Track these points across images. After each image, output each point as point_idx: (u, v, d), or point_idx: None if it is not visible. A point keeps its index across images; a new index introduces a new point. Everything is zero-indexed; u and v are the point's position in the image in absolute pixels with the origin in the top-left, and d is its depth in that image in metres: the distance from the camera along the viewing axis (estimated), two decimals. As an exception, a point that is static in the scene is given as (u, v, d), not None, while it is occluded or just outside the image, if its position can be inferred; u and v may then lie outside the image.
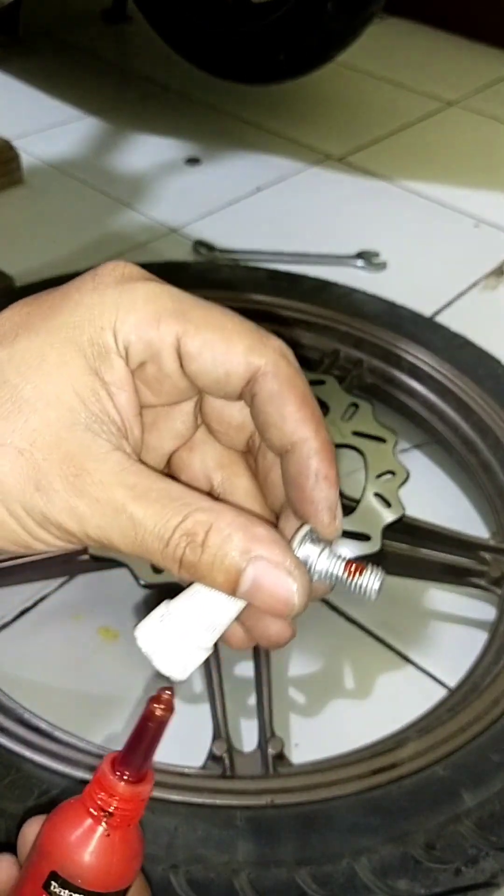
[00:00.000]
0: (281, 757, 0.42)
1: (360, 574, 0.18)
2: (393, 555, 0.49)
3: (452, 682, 0.48)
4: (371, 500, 0.49)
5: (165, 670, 0.18)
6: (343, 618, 0.52)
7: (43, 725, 0.42)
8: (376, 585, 0.17)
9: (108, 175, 0.96)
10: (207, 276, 0.70)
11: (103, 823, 0.18)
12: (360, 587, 0.18)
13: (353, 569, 0.18)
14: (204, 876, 0.34)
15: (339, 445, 0.54)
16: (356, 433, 0.54)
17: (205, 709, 0.43)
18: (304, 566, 0.17)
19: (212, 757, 0.41)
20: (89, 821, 0.18)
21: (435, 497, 0.60)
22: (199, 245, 0.84)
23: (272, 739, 0.42)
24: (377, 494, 0.49)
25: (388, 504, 0.49)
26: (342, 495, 0.53)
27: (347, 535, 0.47)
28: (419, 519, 0.51)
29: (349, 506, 0.50)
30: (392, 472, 0.51)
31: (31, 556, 0.48)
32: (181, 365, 0.18)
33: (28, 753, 0.39)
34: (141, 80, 1.17)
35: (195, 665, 0.18)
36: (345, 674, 0.49)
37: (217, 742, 0.41)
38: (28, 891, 0.19)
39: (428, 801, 0.38)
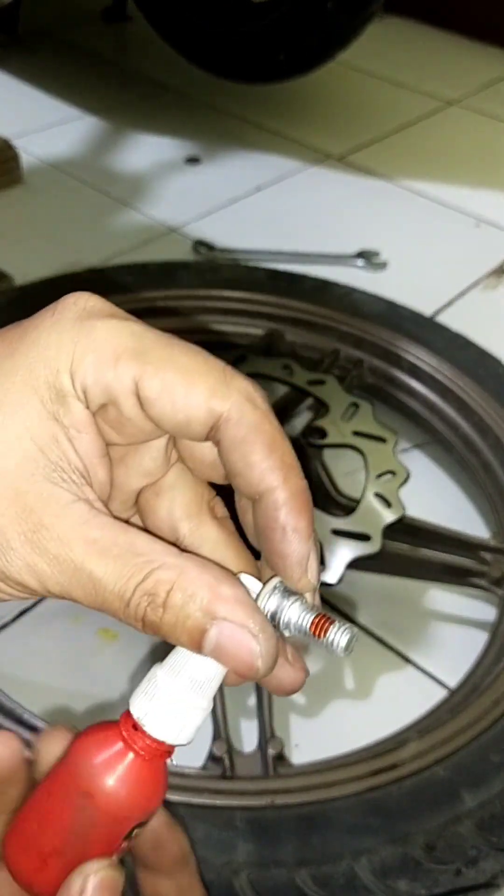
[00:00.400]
0: (281, 757, 0.42)
1: (326, 631, 0.17)
2: (393, 555, 0.49)
3: (453, 682, 0.48)
4: (371, 500, 0.49)
5: (162, 736, 0.17)
6: (343, 618, 0.52)
7: (42, 726, 0.42)
8: (343, 643, 0.17)
9: (107, 174, 0.96)
10: (207, 275, 0.70)
11: (134, 750, 0.18)
12: (329, 643, 0.17)
13: (320, 625, 0.17)
14: (204, 877, 0.34)
15: (339, 445, 0.53)
16: (356, 433, 0.53)
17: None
18: (269, 626, 0.17)
19: (212, 757, 0.41)
20: (121, 744, 0.18)
21: (435, 497, 0.60)
22: (199, 244, 0.84)
23: (272, 740, 0.42)
24: (377, 494, 0.49)
25: (388, 504, 0.49)
26: (342, 495, 0.53)
27: (348, 535, 0.47)
28: (419, 519, 0.51)
29: (350, 506, 0.50)
30: (392, 472, 0.51)
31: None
32: (142, 408, 0.17)
33: (27, 754, 0.39)
34: (141, 80, 1.16)
35: (194, 725, 0.18)
36: (345, 674, 0.49)
37: (217, 742, 0.41)
38: (52, 805, 0.19)
39: (428, 801, 0.38)
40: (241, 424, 0.17)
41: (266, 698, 0.43)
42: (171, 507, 0.20)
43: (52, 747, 0.20)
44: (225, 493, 0.19)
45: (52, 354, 0.17)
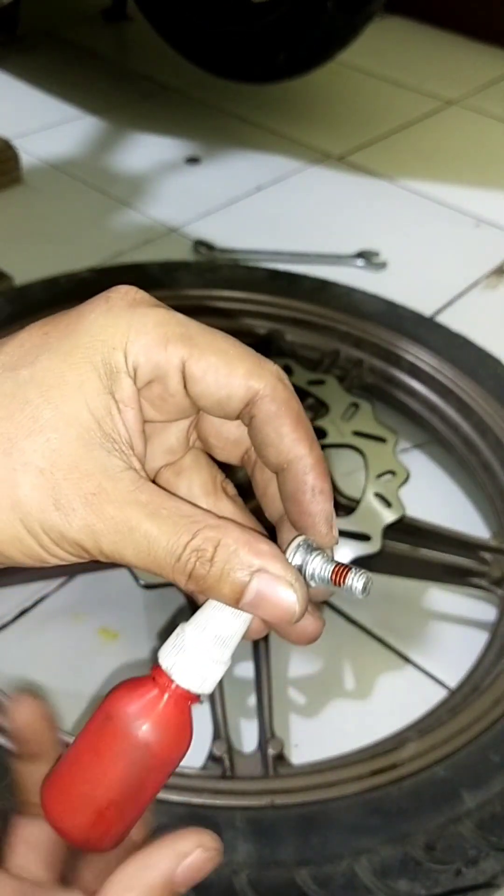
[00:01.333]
0: (281, 758, 0.42)
1: (345, 579, 0.19)
2: (393, 555, 0.49)
3: (453, 682, 0.48)
4: (371, 501, 0.49)
5: (186, 684, 0.20)
6: (344, 618, 0.52)
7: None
8: (360, 585, 0.19)
9: (107, 174, 0.96)
10: (207, 275, 0.70)
11: (167, 695, 0.20)
12: (348, 588, 0.19)
13: (339, 573, 0.19)
14: (205, 877, 0.34)
15: (339, 445, 0.53)
16: (356, 433, 0.53)
17: (205, 709, 0.43)
18: (301, 577, 0.19)
19: (212, 758, 0.41)
20: (160, 693, 0.20)
21: (435, 497, 0.60)
22: (199, 244, 0.84)
23: (272, 740, 0.42)
24: (377, 494, 0.49)
25: (388, 504, 0.49)
26: (342, 495, 0.53)
27: (348, 535, 0.47)
28: (419, 519, 0.51)
29: (350, 506, 0.50)
30: (392, 472, 0.51)
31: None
32: (185, 386, 0.20)
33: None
34: (141, 80, 1.16)
35: (215, 678, 0.20)
36: (345, 674, 0.49)
37: (217, 743, 0.41)
38: (103, 761, 0.20)
39: (428, 801, 0.38)
40: (275, 400, 0.20)
41: (266, 699, 0.43)
42: (189, 485, 0.22)
43: (24, 715, 0.22)
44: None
45: (109, 335, 0.19)
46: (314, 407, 0.57)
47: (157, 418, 0.20)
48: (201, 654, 0.19)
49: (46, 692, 0.47)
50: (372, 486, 0.50)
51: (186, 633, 0.20)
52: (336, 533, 0.20)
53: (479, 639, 0.49)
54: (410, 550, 0.50)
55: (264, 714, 0.43)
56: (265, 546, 0.18)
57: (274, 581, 0.18)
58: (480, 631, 0.51)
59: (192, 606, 0.47)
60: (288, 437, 0.20)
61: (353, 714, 0.47)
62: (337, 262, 0.83)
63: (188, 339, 0.20)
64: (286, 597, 0.18)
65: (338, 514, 0.49)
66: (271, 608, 0.18)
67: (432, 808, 0.37)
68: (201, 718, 0.43)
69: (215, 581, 0.18)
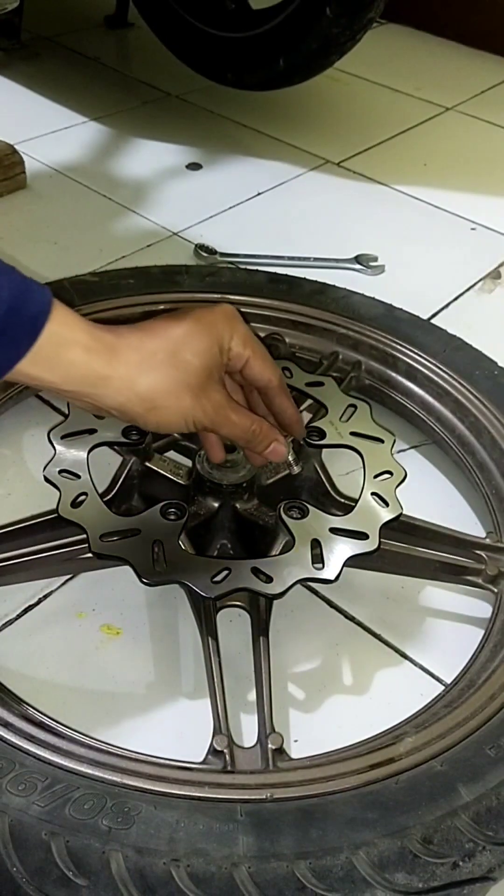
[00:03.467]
0: (280, 752, 0.42)
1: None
2: (390, 553, 0.50)
3: (449, 678, 0.48)
4: (369, 500, 0.50)
5: None
6: (341, 615, 0.53)
7: (46, 721, 0.43)
8: (291, 457, 0.48)
9: (110, 179, 0.97)
10: (208, 278, 0.71)
11: None
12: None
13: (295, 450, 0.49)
14: (205, 869, 0.35)
15: (337, 446, 0.54)
16: (354, 434, 0.54)
17: (205, 704, 0.44)
18: (289, 444, 0.47)
19: (213, 752, 0.42)
20: None
21: (432, 497, 0.60)
22: (201, 248, 0.85)
23: (272, 735, 0.42)
24: (375, 494, 0.50)
25: (385, 503, 0.49)
26: (341, 495, 0.54)
27: (346, 533, 0.47)
28: (416, 518, 0.52)
29: (348, 505, 0.51)
30: (390, 472, 0.51)
31: (34, 553, 0.49)
32: (242, 369, 0.43)
33: (32, 748, 0.39)
34: (143, 86, 1.18)
35: None
36: (343, 670, 0.50)
37: (218, 737, 0.42)
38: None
39: (425, 795, 0.38)
40: (279, 385, 0.45)
41: (266, 694, 0.44)
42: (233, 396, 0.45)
43: None
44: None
45: (220, 329, 0.40)
46: (313, 408, 0.58)
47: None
48: None
49: (50, 687, 0.47)
50: (370, 485, 0.50)
51: None
52: (299, 425, 0.48)
53: (475, 635, 0.50)
54: (407, 549, 0.51)
55: (264, 709, 0.43)
56: (276, 431, 0.45)
57: (281, 445, 0.45)
58: (476, 628, 0.52)
59: (195, 609, 0.48)
60: (276, 399, 0.45)
61: (351, 709, 0.48)
62: (336, 266, 0.84)
63: (253, 345, 0.42)
64: (284, 451, 0.45)
65: (336, 513, 0.55)
66: (276, 455, 0.45)
67: (429, 802, 0.38)
68: (202, 714, 0.44)
69: (259, 443, 0.44)
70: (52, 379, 0.36)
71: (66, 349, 0.35)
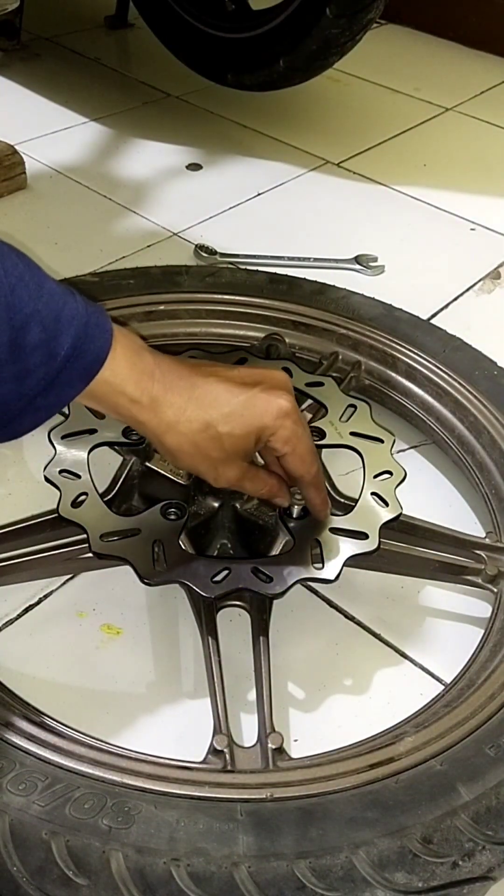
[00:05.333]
0: (280, 751, 0.42)
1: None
2: (390, 553, 0.50)
3: (448, 677, 0.49)
4: (369, 500, 0.50)
5: None
6: (341, 615, 0.53)
7: (47, 720, 0.43)
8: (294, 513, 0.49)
9: (110, 179, 0.97)
10: (208, 279, 0.71)
11: None
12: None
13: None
14: (205, 869, 0.35)
15: (337, 446, 0.54)
16: (354, 434, 0.54)
17: (205, 704, 0.44)
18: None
19: (213, 751, 0.42)
20: None
21: (432, 497, 0.61)
22: (201, 249, 0.85)
23: (272, 734, 0.42)
24: (375, 494, 0.50)
25: (385, 503, 0.50)
26: (341, 495, 0.54)
27: (346, 533, 0.47)
28: (416, 518, 0.52)
29: (348, 505, 0.51)
30: (389, 472, 0.51)
31: (35, 553, 0.49)
32: (279, 458, 0.45)
33: (32, 748, 0.40)
34: (143, 86, 1.18)
35: None
36: (343, 670, 0.50)
37: (218, 737, 0.42)
38: None
39: (425, 795, 0.38)
40: (308, 480, 0.46)
41: (266, 693, 0.44)
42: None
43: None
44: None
45: (265, 423, 0.42)
46: (313, 408, 0.58)
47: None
48: None
49: (51, 687, 0.47)
50: (369, 485, 0.51)
51: None
52: (325, 509, 0.48)
53: (474, 635, 0.50)
54: (407, 548, 0.51)
55: (264, 708, 0.43)
56: (286, 488, 0.47)
57: (283, 501, 0.48)
58: (475, 627, 0.52)
59: (195, 609, 0.48)
60: (306, 491, 0.47)
61: (350, 709, 0.48)
62: (335, 266, 0.84)
63: (293, 444, 0.43)
64: (287, 504, 0.48)
65: (336, 513, 0.55)
66: (281, 505, 0.48)
67: (429, 802, 0.38)
68: (202, 713, 0.44)
69: (279, 499, 0.47)
70: (95, 408, 0.41)
71: (113, 397, 0.39)
